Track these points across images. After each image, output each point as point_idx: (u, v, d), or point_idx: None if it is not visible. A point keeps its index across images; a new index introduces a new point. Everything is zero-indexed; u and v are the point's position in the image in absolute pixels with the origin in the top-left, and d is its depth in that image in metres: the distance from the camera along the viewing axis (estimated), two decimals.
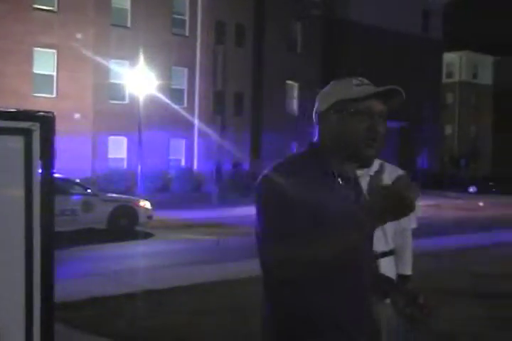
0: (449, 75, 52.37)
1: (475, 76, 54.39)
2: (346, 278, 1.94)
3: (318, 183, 1.95)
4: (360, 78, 2.12)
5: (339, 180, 2.03)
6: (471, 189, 37.66)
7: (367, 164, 2.12)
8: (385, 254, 3.56)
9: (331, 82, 2.18)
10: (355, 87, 2.06)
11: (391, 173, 3.60)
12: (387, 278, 2.34)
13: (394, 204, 1.77)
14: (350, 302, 1.97)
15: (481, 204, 27.83)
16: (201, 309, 6.71)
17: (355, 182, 2.14)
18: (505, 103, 53.77)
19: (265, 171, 2.00)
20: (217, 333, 5.82)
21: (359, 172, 3.59)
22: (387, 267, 3.55)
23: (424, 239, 12.44)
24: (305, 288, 1.91)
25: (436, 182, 35.92)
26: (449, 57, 50.23)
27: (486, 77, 55.13)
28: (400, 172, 3.66)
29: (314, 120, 2.15)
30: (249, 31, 31.59)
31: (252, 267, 9.71)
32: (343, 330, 1.95)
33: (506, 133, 52.80)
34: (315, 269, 1.84)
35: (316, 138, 2.14)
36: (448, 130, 52.60)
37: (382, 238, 3.55)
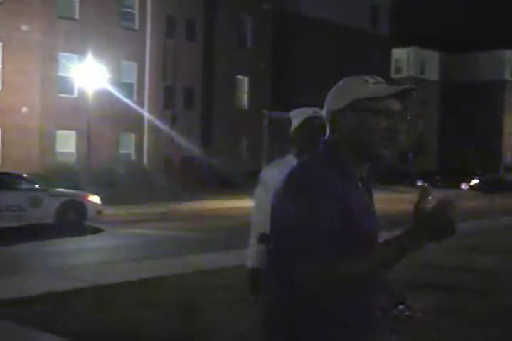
0: (398, 71, 53.09)
1: (422, 72, 55.25)
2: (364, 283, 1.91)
3: (342, 186, 1.90)
4: (373, 76, 2.08)
5: (358, 182, 2.01)
6: (419, 183, 38.28)
7: (379, 163, 2.08)
8: None
9: (344, 79, 2.14)
10: (372, 85, 2.02)
11: None
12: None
13: (436, 227, 1.75)
14: (362, 301, 1.96)
15: (429, 198, 28.27)
16: (151, 303, 6.72)
17: (367, 182, 2.09)
18: (451, 98, 54.84)
19: (288, 175, 1.98)
20: (167, 327, 5.84)
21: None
22: None
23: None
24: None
25: (385, 176, 36.40)
26: (397, 53, 50.94)
27: (433, 73, 56.07)
28: None
29: (327, 118, 2.09)
30: (200, 25, 31.50)
31: (200, 261, 9.80)
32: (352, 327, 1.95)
33: (452, 128, 53.87)
34: (348, 284, 1.83)
35: (329, 137, 2.08)
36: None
37: None
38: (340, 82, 2.11)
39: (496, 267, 9.16)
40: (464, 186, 38.20)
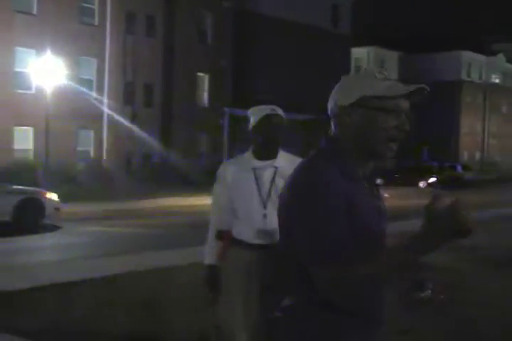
0: (358, 70, 53.58)
1: None
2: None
3: (348, 187, 1.86)
4: (381, 70, 2.02)
5: (364, 182, 1.97)
6: (378, 180, 38.63)
7: (386, 160, 2.01)
8: None
9: (351, 75, 2.10)
10: (381, 81, 1.96)
11: (294, 165, 3.73)
12: None
13: (450, 226, 1.70)
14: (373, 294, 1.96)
15: (386, 195, 28.67)
16: (111, 301, 6.71)
17: (373, 182, 2.06)
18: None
19: (294, 175, 1.95)
20: (128, 324, 5.84)
21: (261, 163, 3.72)
22: None
23: None
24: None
25: None
26: (358, 52, 51.39)
27: (392, 73, 56.67)
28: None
29: (331, 114, 2.03)
30: (160, 22, 31.32)
31: (158, 258, 9.78)
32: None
33: (411, 127, 54.52)
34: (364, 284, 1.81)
35: (334, 134, 2.02)
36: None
37: None
38: (347, 77, 2.04)
39: (453, 263, 9.33)
40: (421, 184, 38.69)
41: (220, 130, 33.35)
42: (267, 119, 3.63)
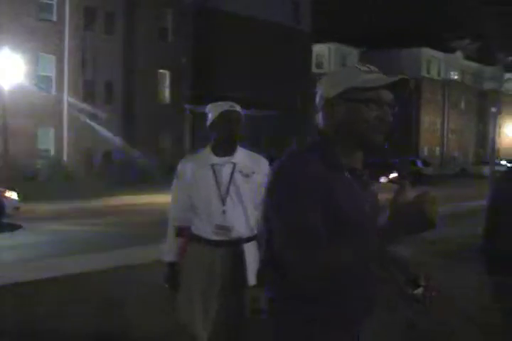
0: (319, 66, 53.80)
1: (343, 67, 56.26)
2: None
3: (328, 177, 1.92)
4: (366, 64, 2.06)
5: (346, 173, 2.00)
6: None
7: (374, 151, 2.05)
8: (249, 239, 3.69)
9: (338, 69, 2.16)
10: (365, 74, 2.02)
11: (253, 161, 3.77)
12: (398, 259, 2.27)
13: (416, 220, 1.74)
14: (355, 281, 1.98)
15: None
16: (71, 299, 6.67)
17: (361, 173, 2.08)
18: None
19: (275, 164, 2.00)
20: (88, 323, 5.81)
21: (220, 160, 3.74)
22: (251, 251, 3.70)
23: None
24: None
25: None
26: (319, 48, 51.63)
27: None
28: (264, 160, 3.82)
29: (318, 106, 2.10)
30: (120, 18, 31.06)
31: (119, 256, 9.71)
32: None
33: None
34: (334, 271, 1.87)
35: (321, 125, 2.09)
36: (317, 119, 54.10)
37: (246, 224, 3.68)
38: (333, 71, 2.15)
39: (414, 257, 9.44)
40: (382, 179, 39.08)
41: (182, 126, 33.25)
42: (224, 116, 3.65)
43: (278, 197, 1.92)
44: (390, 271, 2.22)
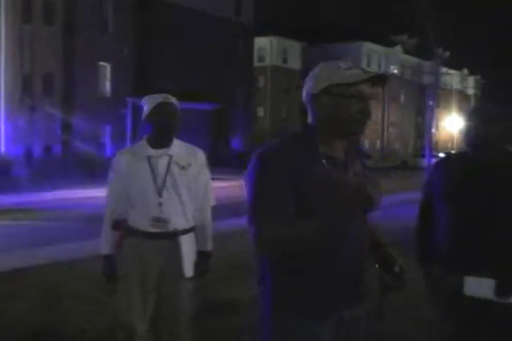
0: (261, 59, 53.93)
1: (285, 61, 56.48)
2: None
3: (303, 164, 2.12)
4: (346, 62, 2.24)
5: (323, 161, 2.17)
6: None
7: (352, 141, 2.29)
8: (186, 231, 3.71)
9: (320, 64, 2.29)
10: (346, 70, 2.19)
11: (189, 153, 3.78)
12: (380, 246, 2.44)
13: (354, 198, 2.03)
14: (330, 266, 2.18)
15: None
16: (9, 295, 6.56)
17: (341, 161, 2.25)
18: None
19: (258, 150, 2.21)
20: (26, 319, 5.74)
21: (156, 152, 3.74)
22: (188, 243, 3.72)
23: (236, 218, 12.91)
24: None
25: (249, 164, 36.94)
26: (260, 42, 51.72)
27: (295, 62, 57.45)
28: (200, 152, 3.84)
29: (305, 100, 2.28)
30: (59, 9, 30.46)
31: (58, 251, 9.58)
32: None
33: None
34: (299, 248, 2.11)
35: (309, 119, 2.28)
36: (260, 112, 54.31)
37: (183, 216, 3.70)
38: (316, 68, 2.27)
39: None
40: None
41: (123, 119, 32.90)
42: (160, 108, 3.65)
43: (251, 177, 2.16)
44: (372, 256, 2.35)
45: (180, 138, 3.81)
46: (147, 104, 3.71)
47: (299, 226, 2.07)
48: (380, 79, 2.24)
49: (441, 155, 48.98)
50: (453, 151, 50.74)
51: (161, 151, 3.68)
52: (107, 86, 33.72)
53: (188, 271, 3.68)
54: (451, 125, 66.58)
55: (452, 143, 73.88)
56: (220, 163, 34.98)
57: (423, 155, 50.86)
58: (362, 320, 2.37)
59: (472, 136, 3.23)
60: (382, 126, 65.03)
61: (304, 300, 2.19)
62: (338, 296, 2.22)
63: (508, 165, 3.23)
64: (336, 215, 2.07)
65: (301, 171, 2.11)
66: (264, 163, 2.15)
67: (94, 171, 26.61)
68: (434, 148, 65.05)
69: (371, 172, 2.38)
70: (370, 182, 2.20)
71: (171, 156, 3.67)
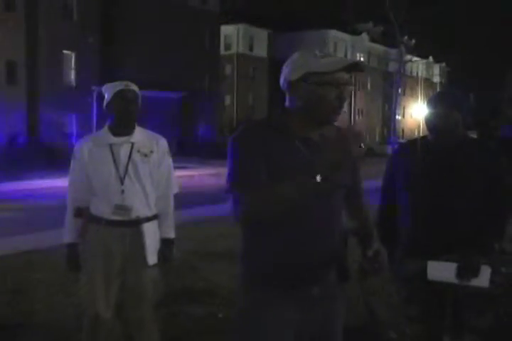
0: (227, 47, 53.72)
1: (251, 48, 56.34)
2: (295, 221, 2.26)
3: (275, 140, 2.26)
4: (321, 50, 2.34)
5: (296, 141, 2.27)
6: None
7: (328, 124, 2.35)
8: (148, 219, 3.70)
9: (297, 53, 2.35)
10: (322, 59, 2.27)
11: (151, 140, 3.77)
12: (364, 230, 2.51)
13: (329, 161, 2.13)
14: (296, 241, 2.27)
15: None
16: None
17: (313, 142, 2.31)
18: (278, 75, 56.23)
19: (237, 130, 2.33)
20: None
21: (118, 139, 3.72)
22: (150, 231, 3.71)
23: (207, 206, 12.92)
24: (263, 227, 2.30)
25: (216, 152, 36.89)
26: (227, 30, 51.48)
27: (261, 50, 57.34)
28: (162, 140, 3.82)
29: (283, 87, 2.37)
30: None
31: (23, 241, 9.48)
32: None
33: (280, 102, 55.48)
34: (272, 212, 2.22)
35: (286, 104, 2.37)
36: (227, 100, 54.17)
37: (146, 203, 3.69)
38: (293, 56, 2.35)
39: None
40: None
41: (88, 108, 32.56)
42: (120, 95, 3.63)
43: (229, 152, 2.30)
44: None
45: (148, 126, 3.80)
46: (108, 91, 3.69)
47: (276, 187, 2.19)
48: (356, 68, 2.31)
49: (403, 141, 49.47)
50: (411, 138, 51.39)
51: (122, 139, 3.66)
52: (72, 75, 33.32)
53: (152, 258, 3.68)
54: (418, 113, 67.22)
55: (419, 131, 74.57)
56: (187, 151, 34.89)
57: (389, 143, 51.38)
58: (334, 300, 2.42)
59: (436, 122, 3.27)
60: (350, 114, 65.38)
61: (268, 272, 2.29)
62: (304, 270, 2.28)
63: (470, 151, 3.27)
64: (308, 181, 2.15)
65: (272, 146, 2.24)
66: (239, 139, 2.30)
67: (59, 161, 26.36)
68: (400, 135, 65.70)
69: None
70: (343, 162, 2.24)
71: (132, 144, 3.66)
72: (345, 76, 2.28)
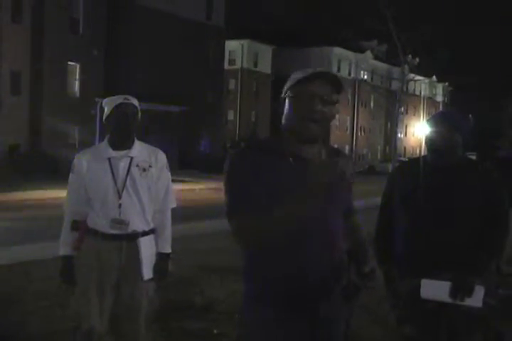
0: (232, 62, 53.93)
1: (256, 64, 56.55)
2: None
3: (268, 161, 2.25)
4: (315, 68, 2.31)
5: (290, 160, 2.27)
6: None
7: (309, 141, 2.31)
8: (145, 233, 3.70)
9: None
10: (298, 74, 2.29)
11: (150, 155, 3.78)
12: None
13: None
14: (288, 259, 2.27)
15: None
16: None
17: (306, 160, 2.27)
18: (281, 91, 56.37)
19: (234, 150, 2.34)
20: None
21: (117, 153, 3.72)
22: (147, 245, 3.70)
23: (205, 221, 12.89)
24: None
25: (218, 167, 36.84)
26: (232, 45, 51.72)
27: (265, 66, 57.54)
28: (161, 154, 3.83)
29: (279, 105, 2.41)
30: (27, 7, 30.14)
31: (21, 252, 9.46)
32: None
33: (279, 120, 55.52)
34: (269, 237, 2.22)
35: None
36: (230, 115, 54.28)
37: (143, 218, 3.69)
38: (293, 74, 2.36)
39: None
40: None
41: (92, 120, 32.63)
42: (119, 109, 3.64)
43: (224, 178, 2.31)
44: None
45: (149, 140, 3.81)
46: (107, 105, 3.71)
47: (267, 215, 2.16)
48: (324, 76, 2.27)
49: (404, 159, 49.54)
50: (411, 156, 51.31)
51: (121, 153, 3.67)
52: (76, 86, 33.44)
53: (147, 272, 3.68)
54: (420, 131, 67.27)
55: (420, 149, 74.63)
56: (188, 165, 34.92)
57: (391, 161, 51.36)
58: (339, 319, 2.41)
59: (436, 142, 3.28)
60: (352, 131, 65.48)
61: (271, 293, 2.28)
62: (306, 290, 2.27)
63: (468, 172, 3.28)
64: (297, 206, 2.15)
65: (266, 168, 2.23)
66: (232, 163, 2.29)
67: (61, 172, 26.38)
68: (402, 153, 65.70)
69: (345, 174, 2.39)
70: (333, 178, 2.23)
71: (131, 158, 3.66)
72: (323, 88, 2.26)
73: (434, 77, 78.51)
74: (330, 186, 2.15)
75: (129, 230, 3.63)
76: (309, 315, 2.30)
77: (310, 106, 2.24)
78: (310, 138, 2.29)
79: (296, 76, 2.29)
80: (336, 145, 2.41)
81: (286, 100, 2.31)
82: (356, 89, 64.90)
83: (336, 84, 2.28)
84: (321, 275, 2.28)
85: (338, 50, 61.32)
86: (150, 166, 3.69)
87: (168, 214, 3.85)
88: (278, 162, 2.26)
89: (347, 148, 64.07)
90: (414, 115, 77.19)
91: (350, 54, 63.59)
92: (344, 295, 2.35)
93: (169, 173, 3.83)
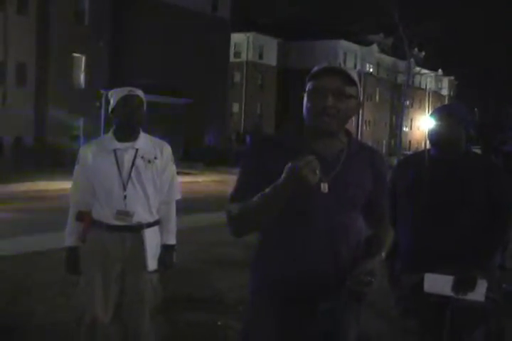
0: (237, 55, 53.82)
1: (261, 56, 56.41)
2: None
3: (275, 157, 2.28)
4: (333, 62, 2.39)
5: (297, 154, 2.22)
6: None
7: (326, 135, 2.35)
8: (150, 225, 3.72)
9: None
10: (315, 67, 2.34)
11: (155, 147, 3.79)
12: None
13: (293, 182, 2.09)
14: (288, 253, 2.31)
15: None
16: None
17: (322, 157, 2.26)
18: (287, 83, 56.41)
19: (247, 142, 2.33)
20: None
21: (122, 145, 3.73)
22: (152, 237, 3.72)
23: (209, 213, 12.90)
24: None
25: (223, 159, 36.88)
26: (237, 37, 51.59)
27: (271, 58, 57.40)
28: (166, 146, 3.84)
29: None
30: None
31: (28, 242, 9.50)
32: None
33: (288, 110, 55.53)
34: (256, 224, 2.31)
35: None
36: (235, 108, 54.21)
37: (148, 209, 3.70)
38: None
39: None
40: None
41: (97, 112, 32.65)
42: (124, 101, 3.65)
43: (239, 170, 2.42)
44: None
45: (154, 132, 3.81)
46: (113, 97, 3.72)
47: (251, 200, 2.22)
48: (332, 71, 2.30)
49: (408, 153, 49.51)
50: (416, 150, 51.22)
51: (127, 144, 3.68)
52: (82, 78, 33.41)
53: (152, 263, 3.69)
54: (425, 125, 67.04)
55: (426, 143, 74.47)
56: (193, 157, 34.92)
57: (396, 154, 51.25)
58: (339, 315, 2.38)
59: (439, 135, 3.28)
60: (357, 124, 65.33)
61: (274, 284, 2.32)
62: (308, 285, 2.28)
63: (471, 165, 3.28)
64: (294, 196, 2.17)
65: (271, 164, 2.25)
66: (242, 157, 2.43)
67: (65, 163, 26.41)
68: (407, 147, 65.58)
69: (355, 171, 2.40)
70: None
71: (136, 150, 3.67)
72: (334, 83, 2.28)
73: (439, 70, 78.27)
74: (337, 184, 2.19)
75: (134, 221, 3.64)
76: (309, 310, 2.31)
77: (322, 101, 2.27)
78: (326, 133, 2.32)
79: (311, 72, 2.35)
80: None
81: (304, 95, 2.35)
82: (361, 82, 64.74)
83: (346, 77, 2.30)
84: (323, 271, 2.28)
85: (343, 43, 61.09)
86: (155, 158, 3.70)
87: (173, 205, 3.86)
88: (286, 156, 2.22)
89: None
90: (419, 108, 76.99)
91: (356, 47, 63.36)
92: (349, 294, 2.32)
93: (174, 166, 3.85)
